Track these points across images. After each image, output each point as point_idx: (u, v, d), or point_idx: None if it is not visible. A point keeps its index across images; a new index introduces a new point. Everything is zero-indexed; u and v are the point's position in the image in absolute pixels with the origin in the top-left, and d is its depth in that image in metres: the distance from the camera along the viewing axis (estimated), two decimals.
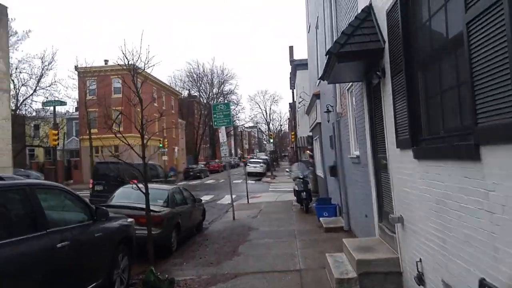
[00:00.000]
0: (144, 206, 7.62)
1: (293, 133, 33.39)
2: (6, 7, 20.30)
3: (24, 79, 30.66)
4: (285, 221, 11.24)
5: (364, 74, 5.92)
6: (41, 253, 3.72)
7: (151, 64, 5.60)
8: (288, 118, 65.73)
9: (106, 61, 35.45)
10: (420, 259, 3.89)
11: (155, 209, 7.56)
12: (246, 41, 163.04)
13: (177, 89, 54.68)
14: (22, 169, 25.05)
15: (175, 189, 9.22)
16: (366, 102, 6.09)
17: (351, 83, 7.34)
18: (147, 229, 5.48)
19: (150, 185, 9.78)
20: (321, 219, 10.10)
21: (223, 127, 13.41)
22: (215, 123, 13.16)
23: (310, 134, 17.89)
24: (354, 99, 7.35)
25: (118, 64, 5.46)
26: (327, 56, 5.48)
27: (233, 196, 19.74)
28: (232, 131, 60.01)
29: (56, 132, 19.64)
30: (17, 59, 30.77)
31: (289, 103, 46.24)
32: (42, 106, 29.08)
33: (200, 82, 56.23)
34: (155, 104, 41.91)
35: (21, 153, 30.95)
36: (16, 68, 30.31)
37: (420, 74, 3.73)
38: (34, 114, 31.99)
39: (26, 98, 30.27)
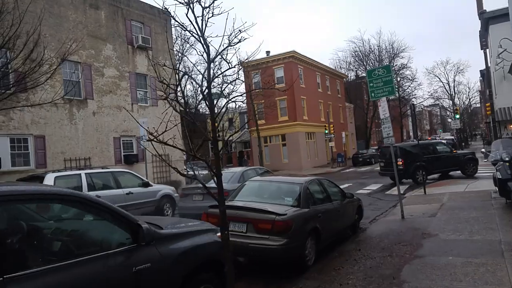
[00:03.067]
0: (264, 207, 5.84)
1: (488, 105, 26.32)
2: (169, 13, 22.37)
3: (199, 80, 33.89)
4: (482, 223, 7.60)
5: None
6: None
7: None
8: (479, 90, 53.98)
9: (267, 52, 35.97)
10: None
11: (276, 211, 5.61)
12: (418, 6, 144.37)
13: (342, 71, 51.82)
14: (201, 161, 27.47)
15: (311, 181, 6.96)
16: None
17: None
18: (223, 244, 3.54)
19: (279, 178, 7.98)
20: None
21: (384, 99, 10.27)
22: (372, 94, 10.16)
23: None
24: None
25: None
26: None
27: (406, 187, 16.25)
28: (409, 110, 53.12)
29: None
30: (191, 62, 34.41)
31: (480, 70, 37.32)
32: (203, 98, 31.39)
33: (367, 60, 51.57)
34: (319, 90, 40.51)
35: (203, 146, 34.61)
36: (192, 70, 33.91)
37: None
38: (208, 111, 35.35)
39: (202, 99, 33.32)
